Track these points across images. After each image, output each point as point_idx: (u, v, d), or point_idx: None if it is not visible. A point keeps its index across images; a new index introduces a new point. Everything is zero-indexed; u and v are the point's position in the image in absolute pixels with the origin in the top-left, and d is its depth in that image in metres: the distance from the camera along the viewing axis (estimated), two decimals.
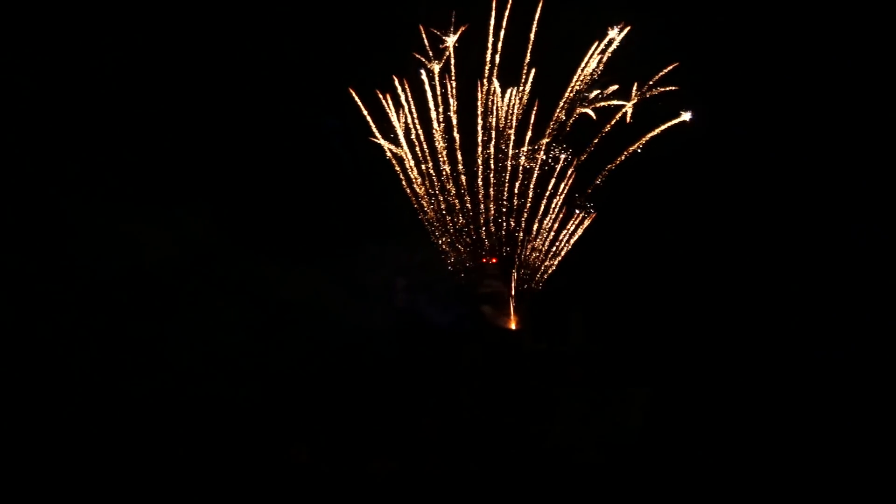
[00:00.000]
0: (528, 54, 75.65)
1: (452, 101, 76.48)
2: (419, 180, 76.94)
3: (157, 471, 67.05)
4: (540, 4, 74.64)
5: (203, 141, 77.94)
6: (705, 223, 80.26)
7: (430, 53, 75.38)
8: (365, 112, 76.03)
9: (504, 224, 77.28)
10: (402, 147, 76.65)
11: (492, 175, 76.96)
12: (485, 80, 75.74)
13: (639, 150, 76.92)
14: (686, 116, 75.55)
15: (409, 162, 76.70)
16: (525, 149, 77.04)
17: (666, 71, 75.34)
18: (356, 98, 75.70)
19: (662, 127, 76.53)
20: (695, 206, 79.13)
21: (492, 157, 77.24)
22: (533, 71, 75.72)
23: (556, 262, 78.11)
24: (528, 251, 78.11)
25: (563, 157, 77.10)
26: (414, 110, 76.17)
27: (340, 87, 76.12)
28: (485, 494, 68.19)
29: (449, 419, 73.84)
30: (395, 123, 76.13)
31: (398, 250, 75.12)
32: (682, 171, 77.70)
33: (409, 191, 77.03)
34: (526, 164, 76.95)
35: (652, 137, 77.08)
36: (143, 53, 77.23)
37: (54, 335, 69.48)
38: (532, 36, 75.21)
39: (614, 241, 79.99)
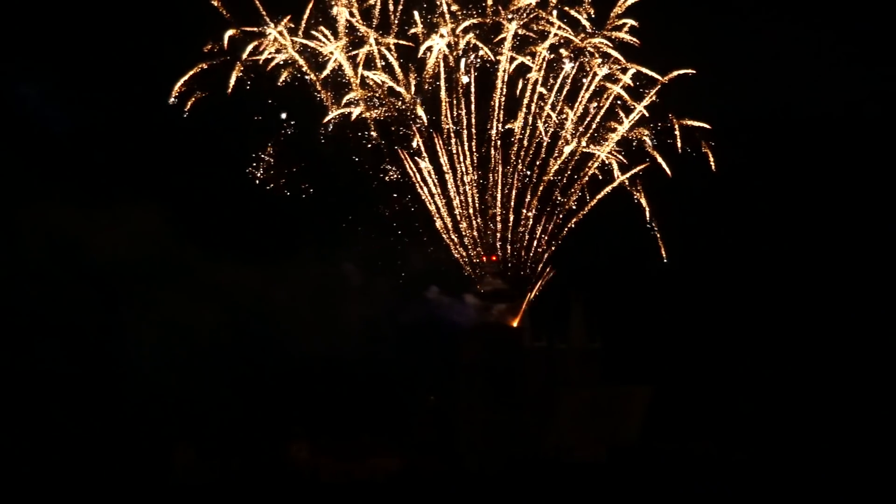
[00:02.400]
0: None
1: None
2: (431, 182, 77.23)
3: (150, 470, 67.19)
4: None
5: (151, 143, 77.58)
6: (704, 223, 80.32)
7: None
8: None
9: (503, 222, 77.37)
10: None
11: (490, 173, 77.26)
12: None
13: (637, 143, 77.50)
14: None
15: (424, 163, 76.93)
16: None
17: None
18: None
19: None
20: (693, 205, 79.16)
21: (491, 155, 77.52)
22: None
23: (554, 262, 78.35)
24: (527, 250, 78.22)
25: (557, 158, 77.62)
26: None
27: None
28: (484, 494, 68.20)
29: (449, 419, 73.98)
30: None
31: (350, 247, 75.01)
32: (680, 170, 77.85)
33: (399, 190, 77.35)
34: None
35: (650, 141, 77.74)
36: (85, 53, 76.81)
37: (10, 336, 69.10)
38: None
39: (614, 240, 79.96)
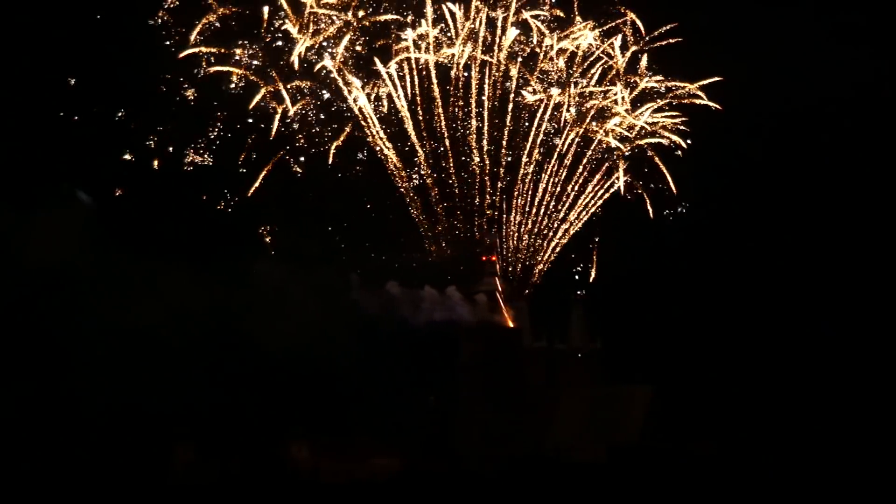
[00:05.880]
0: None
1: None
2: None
3: (150, 470, 67.07)
4: None
5: (74, 140, 76.81)
6: (704, 223, 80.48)
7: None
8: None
9: (501, 220, 77.67)
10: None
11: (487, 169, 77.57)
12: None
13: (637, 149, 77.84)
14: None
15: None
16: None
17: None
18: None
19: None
20: (693, 204, 79.40)
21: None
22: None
23: (554, 260, 78.57)
24: (526, 248, 78.38)
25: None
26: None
27: None
28: (484, 494, 68.17)
29: (449, 419, 74.01)
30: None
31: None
32: (680, 170, 78.02)
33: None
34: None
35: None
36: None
37: None
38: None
39: (614, 239, 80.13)
